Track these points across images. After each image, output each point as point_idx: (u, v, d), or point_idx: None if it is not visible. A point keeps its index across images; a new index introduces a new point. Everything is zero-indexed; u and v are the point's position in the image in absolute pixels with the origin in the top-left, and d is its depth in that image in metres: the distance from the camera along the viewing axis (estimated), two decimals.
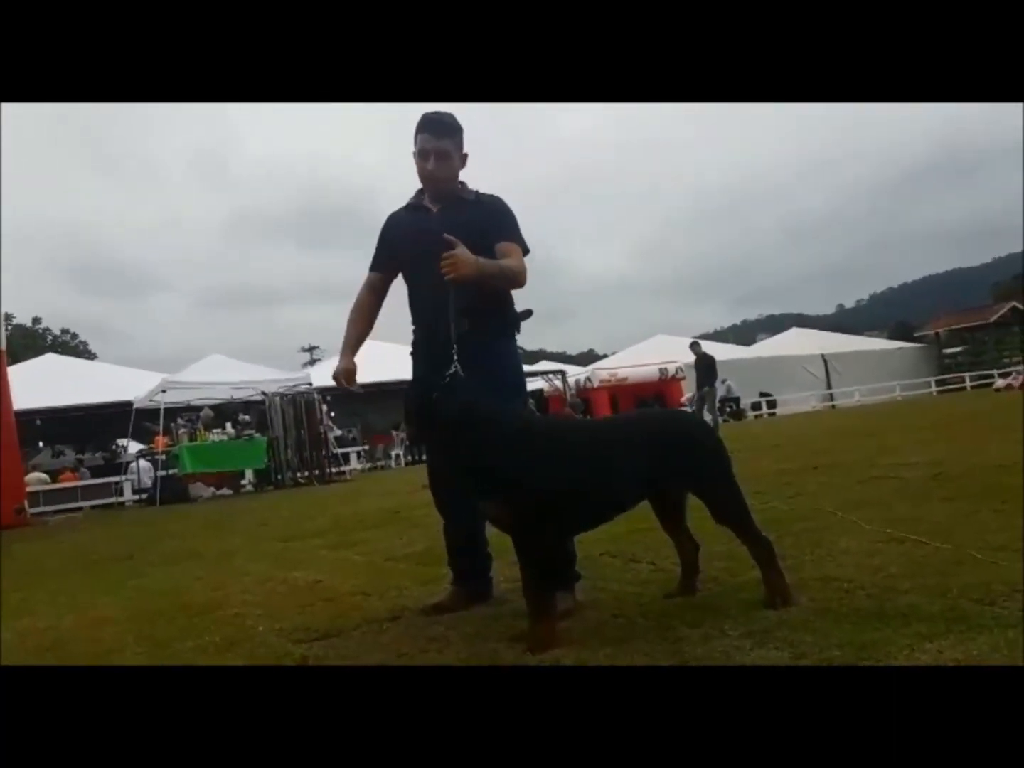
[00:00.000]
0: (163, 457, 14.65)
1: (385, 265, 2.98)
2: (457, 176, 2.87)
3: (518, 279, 2.72)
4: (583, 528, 2.49)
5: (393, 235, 2.94)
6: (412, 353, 2.94)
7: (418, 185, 2.92)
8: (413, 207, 2.92)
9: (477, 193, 2.89)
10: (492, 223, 2.78)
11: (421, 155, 2.78)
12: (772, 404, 27.00)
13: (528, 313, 2.88)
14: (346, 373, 2.88)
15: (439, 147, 2.75)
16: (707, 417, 14.47)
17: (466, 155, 2.86)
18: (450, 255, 2.48)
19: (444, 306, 2.59)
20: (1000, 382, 23.12)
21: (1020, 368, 26.46)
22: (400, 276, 2.98)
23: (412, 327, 2.95)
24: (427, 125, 2.76)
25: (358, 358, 2.93)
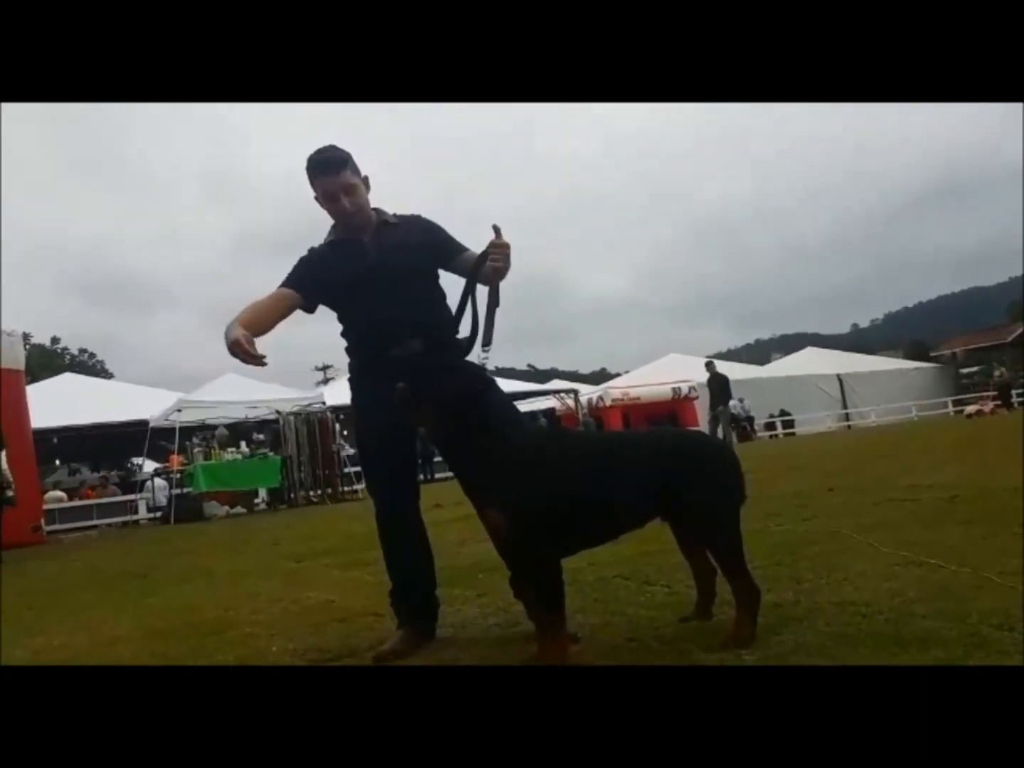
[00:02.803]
0: (178, 475, 14.72)
1: (304, 288, 2.75)
2: (369, 202, 2.77)
3: None
4: (586, 547, 2.46)
5: (322, 269, 2.75)
6: (358, 378, 2.81)
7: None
8: (340, 242, 2.78)
9: (395, 215, 2.83)
10: (434, 239, 2.77)
11: (329, 197, 2.68)
12: (789, 424, 26.82)
13: (468, 342, 2.61)
14: (244, 338, 2.42)
15: (343, 183, 2.65)
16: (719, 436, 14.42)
17: (367, 177, 2.75)
18: (505, 244, 2.47)
19: (398, 327, 2.59)
20: (971, 408, 22.79)
21: (990, 393, 26.24)
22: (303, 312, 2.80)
23: (353, 358, 2.82)
24: (320, 166, 2.66)
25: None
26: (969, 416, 21.05)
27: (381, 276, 2.66)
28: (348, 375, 2.88)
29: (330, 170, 2.66)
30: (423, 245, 2.74)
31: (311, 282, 2.76)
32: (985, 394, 26.28)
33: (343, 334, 2.85)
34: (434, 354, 2.50)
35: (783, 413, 26.99)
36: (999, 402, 24.39)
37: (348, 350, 2.84)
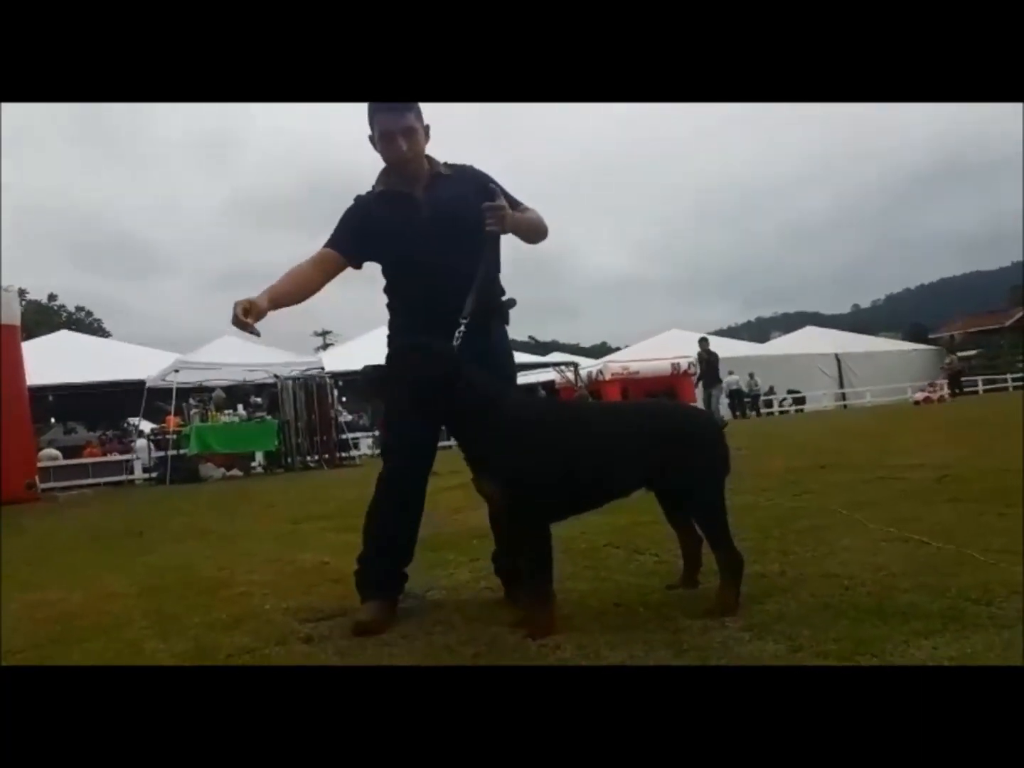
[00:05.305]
0: (174, 437, 14.76)
1: (350, 248, 2.68)
2: (425, 151, 2.67)
3: (545, 227, 2.68)
4: (575, 513, 2.49)
5: (370, 223, 2.66)
6: (395, 337, 2.72)
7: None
8: (391, 194, 2.67)
9: (446, 164, 2.73)
10: (487, 193, 2.63)
11: (386, 138, 2.57)
12: (800, 400, 26.81)
13: (512, 302, 2.71)
14: (243, 304, 2.37)
15: (405, 125, 2.55)
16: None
17: (428, 126, 2.64)
18: (499, 206, 2.45)
19: (445, 289, 2.51)
20: (918, 395, 22.49)
21: (939, 381, 25.97)
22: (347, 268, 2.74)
23: (395, 315, 2.76)
24: (385, 105, 2.54)
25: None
26: (916, 403, 20.70)
27: (432, 232, 2.57)
28: (388, 331, 2.78)
29: (395, 108, 2.55)
30: (477, 200, 2.59)
31: (356, 237, 2.68)
32: (938, 381, 26.01)
33: (386, 290, 2.76)
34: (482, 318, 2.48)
35: (791, 391, 26.97)
36: (949, 390, 24.05)
37: (390, 305, 2.76)
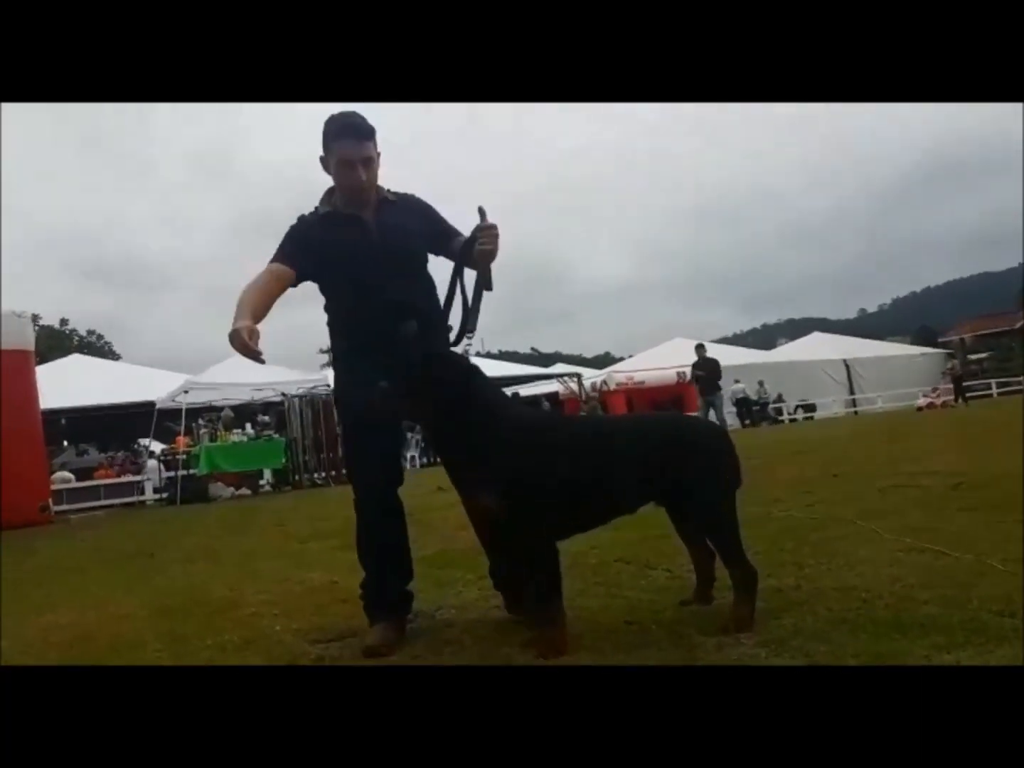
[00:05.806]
0: (183, 457, 14.80)
1: (299, 263, 2.62)
2: (377, 178, 2.68)
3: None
4: (582, 529, 2.45)
5: (316, 244, 2.62)
6: (347, 358, 2.71)
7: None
8: (340, 216, 2.65)
9: (391, 191, 2.74)
10: (432, 225, 2.71)
11: (346, 166, 2.55)
12: (810, 408, 26.60)
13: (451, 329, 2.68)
14: (247, 330, 2.32)
15: (365, 155, 2.55)
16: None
17: (379, 153, 2.64)
18: (492, 225, 2.46)
19: (393, 312, 2.54)
20: (922, 400, 22.14)
21: (942, 386, 25.57)
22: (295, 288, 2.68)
23: (340, 337, 2.72)
24: (346, 130, 2.54)
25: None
26: (919, 409, 20.40)
27: (381, 256, 2.60)
28: (332, 352, 2.78)
29: (358, 136, 2.55)
30: (421, 229, 2.69)
31: (304, 256, 2.62)
32: (941, 387, 25.65)
33: (327, 309, 2.75)
34: (428, 339, 2.49)
35: (802, 404, 26.82)
36: (955, 396, 23.67)
37: (333, 327, 2.75)
